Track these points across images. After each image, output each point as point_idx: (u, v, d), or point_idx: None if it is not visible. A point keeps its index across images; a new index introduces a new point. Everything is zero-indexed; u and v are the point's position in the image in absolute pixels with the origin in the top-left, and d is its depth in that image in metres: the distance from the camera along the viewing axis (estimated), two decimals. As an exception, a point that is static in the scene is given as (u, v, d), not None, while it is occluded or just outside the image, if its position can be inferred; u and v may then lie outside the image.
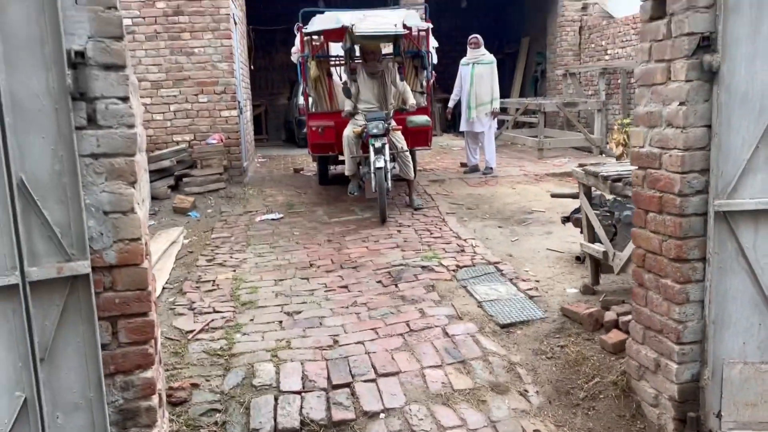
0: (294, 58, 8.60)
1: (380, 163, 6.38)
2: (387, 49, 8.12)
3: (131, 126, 2.15)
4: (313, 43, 8.12)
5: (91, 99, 2.08)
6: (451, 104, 9.81)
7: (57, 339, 2.10)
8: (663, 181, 2.78)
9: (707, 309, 2.72)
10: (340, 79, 8.08)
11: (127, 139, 2.14)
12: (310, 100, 8.07)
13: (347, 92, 7.05)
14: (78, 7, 2.04)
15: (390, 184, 6.65)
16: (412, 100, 7.20)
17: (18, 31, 1.95)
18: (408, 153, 7.06)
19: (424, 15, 8.55)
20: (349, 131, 6.91)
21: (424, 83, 8.26)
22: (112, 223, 2.15)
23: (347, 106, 7.06)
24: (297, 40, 8.15)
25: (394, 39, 7.43)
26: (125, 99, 2.13)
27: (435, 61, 8.74)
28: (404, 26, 6.95)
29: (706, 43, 2.53)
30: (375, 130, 6.50)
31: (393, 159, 6.94)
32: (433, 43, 8.51)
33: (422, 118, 7.65)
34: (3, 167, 1.96)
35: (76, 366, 2.14)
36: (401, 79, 7.34)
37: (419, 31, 8.12)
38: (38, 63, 1.99)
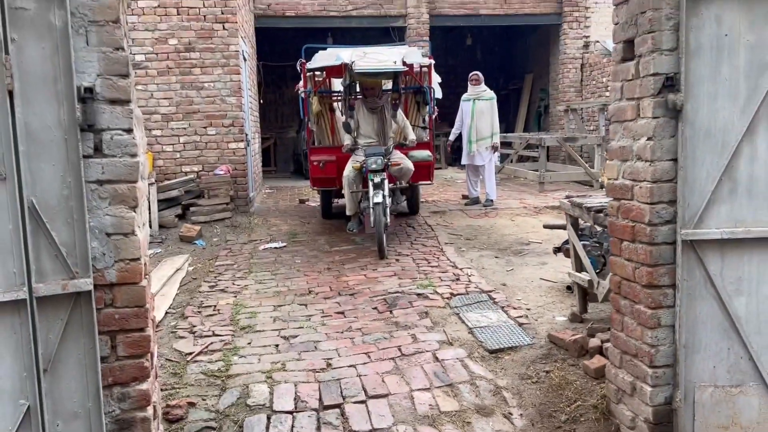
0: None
1: (378, 198, 6.41)
2: (387, 84, 8.29)
3: (134, 155, 2.34)
4: (316, 78, 8.27)
5: (98, 130, 2.29)
6: (451, 138, 10.10)
7: (60, 351, 2.27)
8: (635, 212, 2.93)
9: (678, 333, 2.84)
10: (342, 114, 8.21)
11: (130, 167, 2.33)
12: (313, 134, 8.24)
13: (347, 128, 7.16)
14: (89, 48, 2.26)
15: (389, 219, 6.66)
16: (412, 135, 7.33)
17: (34, 69, 2.17)
18: (411, 171, 7.18)
19: (426, 52, 8.80)
20: (348, 169, 6.99)
21: (426, 118, 8.38)
22: (114, 244, 2.33)
23: (347, 140, 7.21)
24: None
25: (394, 75, 7.55)
26: (129, 130, 2.33)
27: (439, 95, 8.91)
28: (404, 63, 7.08)
29: (671, 83, 2.71)
30: (374, 166, 6.58)
31: (394, 194, 7.01)
32: (437, 78, 8.66)
33: (424, 153, 7.74)
34: (16, 191, 2.16)
35: (76, 377, 2.30)
36: (399, 115, 7.48)
37: (421, 67, 8.30)
38: (51, 98, 2.20)
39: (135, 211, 2.36)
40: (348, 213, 7.21)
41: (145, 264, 2.46)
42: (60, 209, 2.23)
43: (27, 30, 2.14)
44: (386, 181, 6.61)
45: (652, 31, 2.73)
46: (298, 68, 8.10)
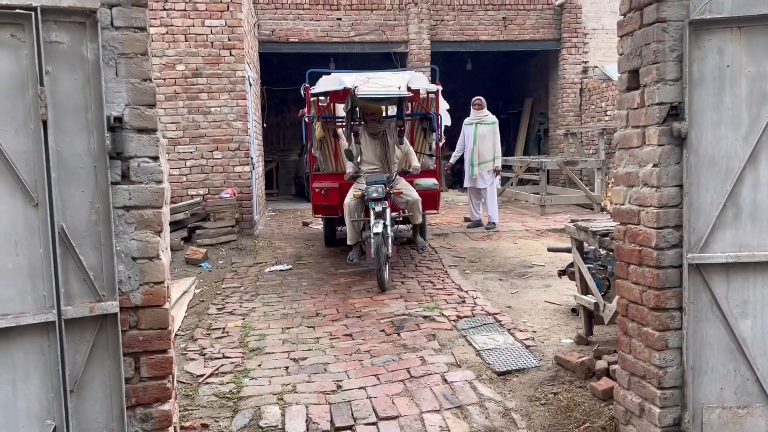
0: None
1: (378, 228, 6.08)
2: (392, 110, 8.20)
3: (160, 182, 2.43)
4: (320, 104, 8.15)
5: (126, 158, 2.38)
6: (452, 160, 10.25)
7: (86, 372, 2.33)
8: (641, 236, 3.01)
9: (685, 355, 2.90)
10: (345, 140, 8.02)
11: (156, 193, 2.42)
12: (316, 160, 8.10)
13: (349, 155, 6.92)
14: (118, 80, 2.36)
15: (390, 250, 6.29)
16: (416, 162, 7.16)
17: (67, 100, 2.27)
18: (418, 199, 6.88)
19: (431, 77, 8.83)
20: (349, 197, 6.71)
21: (433, 146, 8.13)
22: (139, 268, 2.40)
23: (349, 168, 6.98)
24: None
25: (398, 101, 7.39)
26: (155, 158, 2.42)
27: (448, 122, 8.83)
28: (409, 89, 6.88)
29: (675, 112, 2.81)
30: (375, 194, 6.29)
31: (398, 223, 6.76)
32: (444, 105, 8.45)
33: (430, 181, 7.47)
34: (47, 216, 2.24)
35: (101, 398, 2.36)
36: (401, 141, 7.21)
37: (428, 93, 8.15)
38: (82, 127, 2.30)
39: (159, 236, 2.44)
40: (349, 242, 6.81)
41: (168, 287, 2.53)
42: (88, 234, 2.31)
43: (61, 62, 2.25)
44: (388, 210, 6.32)
45: (657, 62, 2.83)
46: (302, 93, 7.97)
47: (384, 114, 7.62)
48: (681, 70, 2.79)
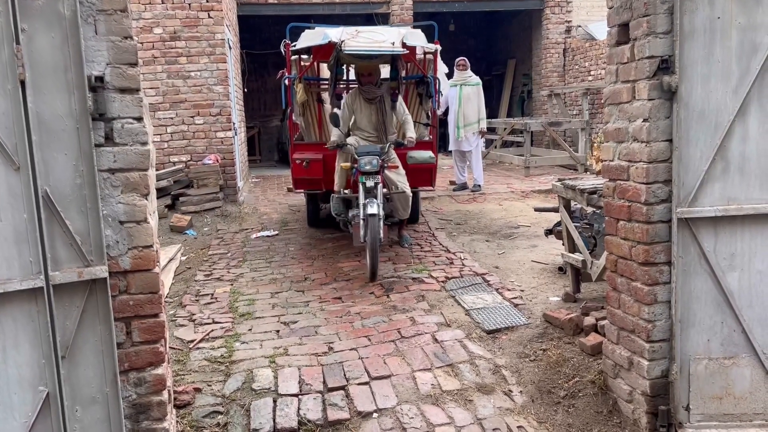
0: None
1: (372, 209, 5.23)
2: (386, 71, 7.14)
3: (144, 143, 2.37)
4: (301, 63, 7.18)
5: (109, 119, 2.31)
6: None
7: (77, 338, 2.30)
8: (631, 192, 3.02)
9: (674, 309, 2.94)
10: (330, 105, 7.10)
11: (141, 155, 2.36)
12: (298, 128, 7.22)
13: (334, 120, 5.94)
14: (98, 38, 2.27)
15: (383, 235, 5.49)
16: (411, 133, 6.05)
17: (45, 59, 2.19)
18: (410, 194, 5.98)
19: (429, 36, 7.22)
20: (336, 171, 6.03)
21: (429, 114, 7.06)
22: (127, 231, 2.36)
23: (333, 136, 5.98)
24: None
25: (392, 60, 6.45)
26: (139, 119, 2.36)
27: (445, 89, 7.81)
28: (404, 45, 5.71)
29: (666, 66, 2.79)
30: (368, 167, 5.42)
31: (387, 200, 5.89)
32: (443, 68, 7.43)
33: (425, 154, 6.39)
34: (30, 180, 2.18)
35: (93, 363, 2.34)
36: (400, 107, 6.27)
37: (425, 53, 7.05)
38: (62, 87, 2.22)
39: (147, 199, 2.39)
40: (336, 189, 6.08)
41: (157, 251, 2.49)
42: (73, 198, 2.26)
43: (37, 20, 2.16)
44: (380, 187, 5.48)
45: (647, 15, 2.80)
46: (282, 50, 6.83)
47: (381, 75, 6.61)
48: (672, 22, 2.76)
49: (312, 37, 6.28)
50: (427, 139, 6.94)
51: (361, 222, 5.34)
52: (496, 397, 3.48)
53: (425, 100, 7.03)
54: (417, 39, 6.26)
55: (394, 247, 6.46)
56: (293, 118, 6.88)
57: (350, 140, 6.03)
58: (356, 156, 5.57)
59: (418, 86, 7.20)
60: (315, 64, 7.46)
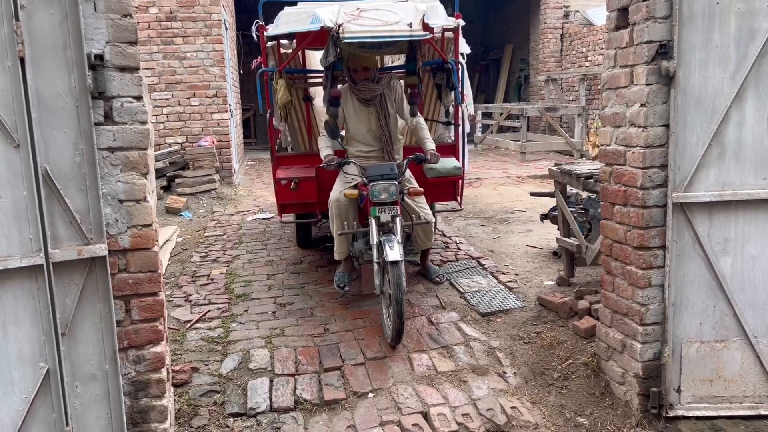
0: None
1: (394, 254, 3.76)
2: (399, 60, 5.76)
3: (144, 122, 2.37)
4: (281, 51, 5.38)
5: (109, 98, 2.31)
6: None
7: (76, 315, 2.32)
8: (627, 176, 3.04)
9: (667, 292, 2.98)
10: (323, 106, 5.06)
11: (140, 134, 2.36)
12: (280, 135, 5.75)
13: (331, 130, 4.53)
14: (97, 15, 2.26)
15: (405, 283, 3.80)
16: (431, 143, 4.56)
17: (44, 36, 2.18)
18: (433, 222, 4.73)
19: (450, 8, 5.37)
20: (338, 193, 4.42)
21: (451, 110, 5.38)
22: (126, 210, 2.37)
23: (327, 150, 4.47)
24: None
25: (409, 47, 4.80)
26: (139, 98, 2.35)
27: (465, 76, 6.01)
28: (425, 27, 4.14)
29: (664, 50, 2.80)
30: (383, 195, 4.01)
31: (408, 237, 4.53)
32: (465, 48, 5.69)
33: (449, 164, 4.87)
34: (30, 158, 2.18)
35: (93, 340, 2.35)
36: (414, 112, 4.71)
37: (444, 31, 5.28)
38: (62, 65, 2.21)
39: (146, 178, 2.40)
40: (337, 257, 4.63)
41: (156, 230, 2.50)
42: (73, 176, 2.26)
43: (36, -4, 2.14)
44: (399, 220, 4.05)
45: None
46: (255, 35, 5.16)
47: (379, 67, 5.05)
48: (671, 7, 2.77)
49: (295, 18, 4.48)
50: (449, 141, 5.51)
51: (375, 267, 4.03)
52: (490, 378, 3.52)
53: (445, 92, 5.17)
54: (439, 17, 4.46)
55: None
56: (273, 123, 5.24)
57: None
58: (365, 181, 4.16)
59: (435, 75, 5.31)
60: (300, 51, 5.51)
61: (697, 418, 3.00)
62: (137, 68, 2.35)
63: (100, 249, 2.31)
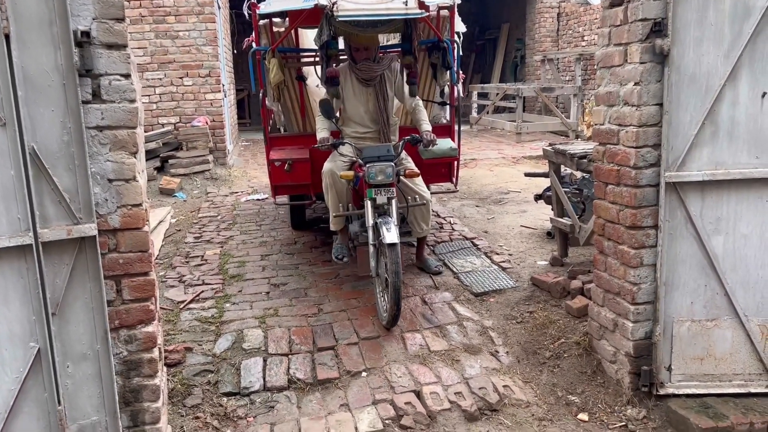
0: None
1: (391, 236, 3.72)
2: (395, 39, 5.63)
3: (132, 101, 2.34)
4: (274, 29, 5.28)
5: (96, 75, 2.27)
6: None
7: (67, 295, 2.31)
8: (620, 156, 3.03)
9: (659, 272, 2.99)
10: (319, 85, 5.38)
11: (129, 113, 2.33)
12: (273, 116, 5.71)
13: (326, 110, 4.34)
14: (83, -9, 2.22)
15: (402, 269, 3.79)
16: (427, 124, 4.49)
17: (29, 12, 2.14)
18: (430, 203, 4.54)
19: None
20: (331, 164, 4.41)
21: (447, 89, 5.30)
22: (115, 189, 2.35)
23: (322, 132, 4.41)
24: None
25: (404, 27, 4.52)
26: (127, 76, 2.32)
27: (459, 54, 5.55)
28: (421, 4, 4.05)
29: (658, 28, 2.78)
30: (380, 177, 3.98)
31: (403, 219, 4.38)
32: (460, 27, 5.54)
33: (444, 145, 4.76)
34: (17, 137, 2.15)
35: (84, 320, 2.34)
36: (414, 93, 4.62)
37: (439, 8, 5.15)
38: (47, 42, 2.17)
39: (135, 157, 2.37)
40: (333, 227, 4.60)
41: (146, 210, 2.48)
42: (61, 155, 2.24)
43: (20, -29, 2.10)
44: (395, 203, 4.02)
45: (642, -23, 2.77)
46: (247, 13, 5.09)
47: (379, 46, 4.85)
48: (666, -16, 2.74)
49: None
50: (444, 122, 5.52)
51: (371, 249, 4.02)
52: (482, 357, 3.54)
53: (440, 71, 5.06)
54: None
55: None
56: (266, 103, 5.24)
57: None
58: (361, 162, 4.09)
59: (430, 54, 5.25)
60: (293, 30, 5.44)
61: (687, 395, 3.03)
62: (125, 45, 2.31)
63: (90, 228, 2.29)
